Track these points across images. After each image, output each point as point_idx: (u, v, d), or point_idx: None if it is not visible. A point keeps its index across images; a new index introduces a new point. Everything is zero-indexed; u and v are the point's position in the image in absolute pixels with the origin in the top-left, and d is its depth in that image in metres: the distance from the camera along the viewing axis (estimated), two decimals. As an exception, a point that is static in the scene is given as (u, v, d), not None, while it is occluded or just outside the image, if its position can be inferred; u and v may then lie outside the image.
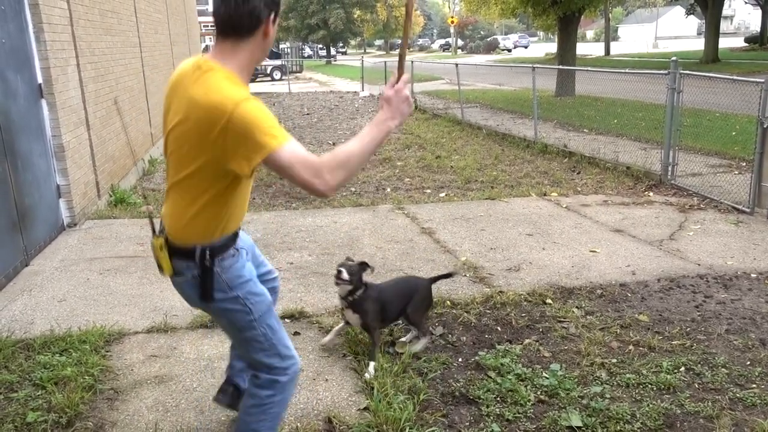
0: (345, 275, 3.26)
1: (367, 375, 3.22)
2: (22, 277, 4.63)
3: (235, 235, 2.13)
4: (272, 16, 1.93)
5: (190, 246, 2.02)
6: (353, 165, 1.88)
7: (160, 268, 2.09)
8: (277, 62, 32.71)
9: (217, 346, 3.59)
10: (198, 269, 2.03)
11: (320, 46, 58.33)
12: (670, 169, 7.33)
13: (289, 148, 1.81)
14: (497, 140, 10.73)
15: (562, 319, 3.87)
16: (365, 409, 2.98)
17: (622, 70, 11.48)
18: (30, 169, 5.09)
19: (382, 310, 3.42)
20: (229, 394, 2.75)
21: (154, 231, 2.14)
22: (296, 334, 3.76)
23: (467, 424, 2.88)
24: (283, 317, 3.96)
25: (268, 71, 31.56)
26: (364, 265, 3.40)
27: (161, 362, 3.42)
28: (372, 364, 3.28)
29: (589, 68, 14.81)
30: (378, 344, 3.41)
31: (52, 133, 5.53)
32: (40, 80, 5.35)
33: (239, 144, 1.80)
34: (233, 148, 1.81)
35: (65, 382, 3.12)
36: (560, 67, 15.90)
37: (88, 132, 6.40)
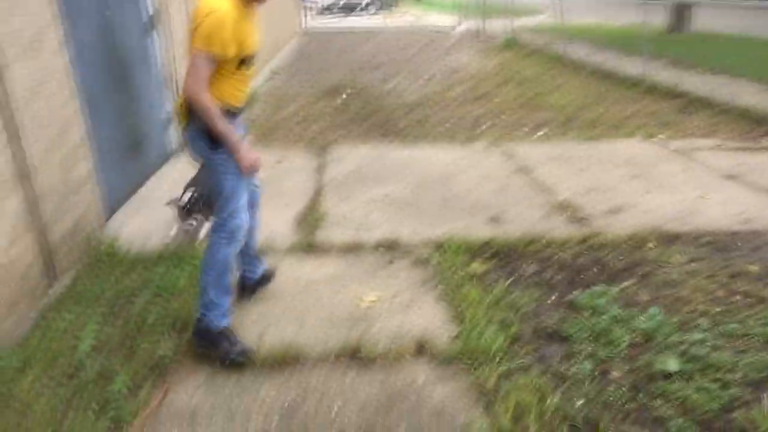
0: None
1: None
2: (138, 198, 4.97)
3: (231, 114, 2.80)
4: None
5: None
6: (204, 114, 2.64)
7: (179, 121, 2.86)
8: (374, -5, 32.20)
9: (315, 270, 3.75)
10: (202, 123, 2.70)
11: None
12: (794, 113, 6.75)
13: (203, 57, 2.57)
14: (601, 78, 10.21)
15: (664, 265, 3.75)
16: (456, 337, 3.04)
17: (751, 2, 10.49)
18: (143, 99, 5.37)
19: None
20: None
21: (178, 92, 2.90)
22: (391, 263, 3.85)
23: (558, 359, 2.89)
24: (377, 246, 4.07)
25: (364, 5, 31.19)
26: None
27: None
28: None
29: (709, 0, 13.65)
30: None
31: (162, 64, 5.78)
32: (150, 13, 5.57)
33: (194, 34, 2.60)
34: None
35: (179, 293, 3.38)
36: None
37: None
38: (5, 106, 3.09)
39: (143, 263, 3.79)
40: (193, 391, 2.71)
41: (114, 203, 4.61)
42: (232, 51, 2.61)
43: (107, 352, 2.92)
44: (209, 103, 2.62)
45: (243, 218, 2.92)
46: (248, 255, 3.34)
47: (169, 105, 5.93)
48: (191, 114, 2.73)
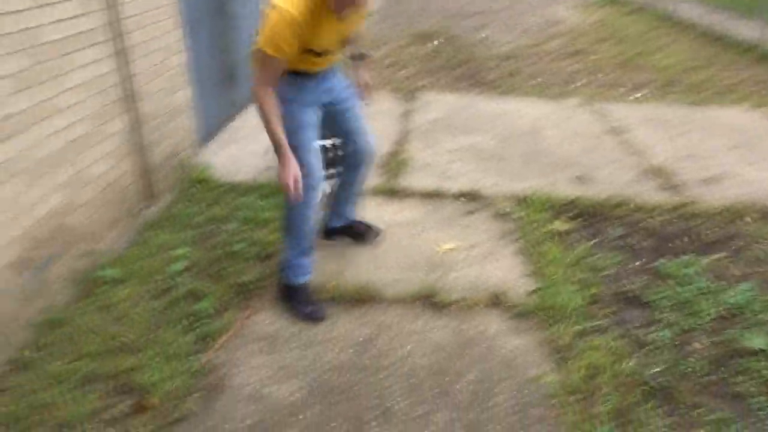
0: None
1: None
2: (230, 129, 5.14)
3: (305, 74, 2.73)
4: None
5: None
6: (262, 114, 2.53)
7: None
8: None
9: (395, 214, 3.80)
10: None
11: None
12: None
13: (269, 57, 2.44)
14: (711, 41, 9.55)
15: (762, 240, 3.55)
16: (533, 292, 3.03)
17: None
18: (238, 30, 5.46)
19: None
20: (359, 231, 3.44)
21: None
22: (471, 213, 3.84)
23: (637, 325, 2.83)
24: (458, 196, 4.06)
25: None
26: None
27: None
28: None
29: None
30: None
31: (261, -3, 5.85)
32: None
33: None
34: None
35: (264, 224, 3.50)
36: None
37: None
38: (117, 31, 3.23)
39: (233, 192, 3.95)
40: (274, 318, 2.84)
41: (208, 132, 4.79)
42: (293, 50, 2.47)
43: (197, 274, 3.09)
44: (267, 105, 2.50)
45: (315, 171, 2.76)
46: (343, 203, 3.31)
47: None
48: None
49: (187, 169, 4.08)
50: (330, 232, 3.43)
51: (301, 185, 2.57)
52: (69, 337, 2.58)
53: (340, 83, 2.95)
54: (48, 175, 2.71)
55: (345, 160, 3.15)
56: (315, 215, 2.85)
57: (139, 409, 2.24)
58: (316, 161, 2.78)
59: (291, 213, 2.80)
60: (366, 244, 3.42)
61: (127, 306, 2.79)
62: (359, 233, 3.43)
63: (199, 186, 4.02)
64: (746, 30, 9.66)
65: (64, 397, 2.25)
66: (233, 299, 2.92)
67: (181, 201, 3.82)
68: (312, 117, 2.81)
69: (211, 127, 4.87)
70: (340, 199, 3.31)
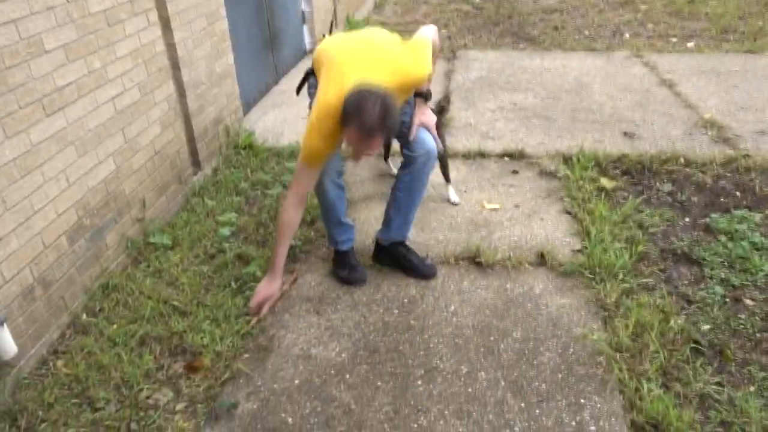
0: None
1: (453, 198, 3.49)
2: (272, 94, 5.17)
3: None
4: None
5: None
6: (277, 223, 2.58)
7: None
8: None
9: (438, 174, 3.77)
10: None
11: None
12: None
13: (302, 167, 2.42)
14: (770, -16, 9.03)
15: (820, 193, 3.42)
16: (578, 250, 2.99)
17: None
18: (279, -6, 5.45)
19: None
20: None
21: None
22: (515, 172, 3.79)
23: (686, 282, 2.77)
24: (502, 155, 4.01)
25: None
26: (441, 105, 3.79)
27: (386, 181, 3.70)
28: (451, 186, 3.54)
29: None
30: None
31: (299, -41, 5.80)
32: None
33: None
34: None
35: (308, 188, 3.54)
36: None
37: (329, -41, 6.59)
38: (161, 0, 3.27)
39: (277, 156, 4.00)
40: (320, 279, 2.89)
41: (251, 98, 4.83)
42: (324, 160, 2.43)
43: (243, 238, 3.16)
44: (282, 217, 2.46)
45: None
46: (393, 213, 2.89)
47: (304, 3, 5.98)
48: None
49: (231, 135, 4.13)
50: (381, 253, 2.98)
51: (266, 307, 2.49)
52: (124, 302, 2.68)
53: None
54: (100, 144, 2.79)
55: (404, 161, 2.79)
56: (334, 189, 2.69)
57: (192, 369, 2.33)
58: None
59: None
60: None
61: (177, 271, 2.88)
62: (409, 267, 2.91)
63: (244, 152, 4.07)
64: (809, -29, 9.07)
65: (121, 359, 2.36)
66: (280, 262, 2.98)
67: (226, 167, 3.89)
68: None
69: (254, 93, 4.91)
70: (389, 207, 2.90)
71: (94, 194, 2.75)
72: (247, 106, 4.73)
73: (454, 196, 3.50)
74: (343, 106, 2.18)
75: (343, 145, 2.42)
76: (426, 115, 2.73)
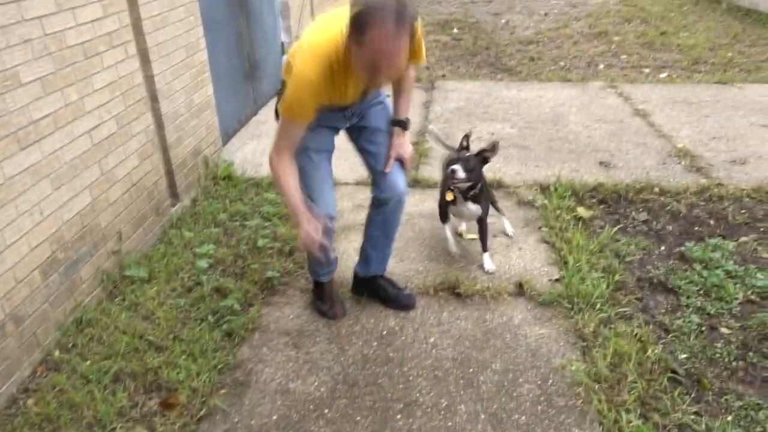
0: (461, 174, 2.86)
1: (488, 267, 3.11)
2: (251, 125, 5.18)
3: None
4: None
5: None
6: (276, 182, 2.33)
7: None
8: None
9: (417, 204, 3.80)
10: None
11: None
12: None
13: (286, 122, 2.23)
14: (738, 17, 9.31)
15: (791, 221, 3.49)
16: (557, 280, 3.01)
17: None
18: (260, 26, 5.49)
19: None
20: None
21: None
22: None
23: (663, 311, 2.80)
24: (481, 185, 4.04)
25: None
26: (483, 155, 3.01)
27: (365, 212, 3.70)
28: (487, 255, 3.14)
29: None
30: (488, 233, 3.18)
31: (279, -8, 5.87)
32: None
33: None
34: None
35: (287, 218, 3.54)
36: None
37: (309, -8, 6.68)
38: (139, 30, 3.27)
39: (256, 187, 3.99)
40: (299, 312, 2.87)
41: (230, 129, 4.83)
42: (311, 114, 2.20)
43: (221, 270, 3.13)
44: (280, 171, 2.25)
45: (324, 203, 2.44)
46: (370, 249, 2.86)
47: (284, 34, 6.04)
48: None
49: (210, 166, 4.12)
50: (360, 285, 2.96)
51: (321, 240, 2.26)
52: (98, 337, 2.64)
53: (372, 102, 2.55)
54: (76, 177, 2.77)
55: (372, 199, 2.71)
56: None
57: (167, 406, 2.28)
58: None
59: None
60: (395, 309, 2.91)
61: (154, 304, 2.84)
62: (388, 298, 2.90)
63: (223, 182, 4.06)
64: (775, 4, 9.38)
65: (94, 396, 2.31)
66: (258, 295, 2.96)
67: (205, 198, 3.87)
68: (328, 142, 2.54)
69: (233, 124, 4.92)
70: (365, 243, 2.86)
71: (69, 227, 2.72)
72: (227, 136, 4.73)
73: (489, 265, 3.12)
74: (351, 18, 1.89)
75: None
76: (404, 147, 2.62)
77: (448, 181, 2.99)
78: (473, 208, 3.06)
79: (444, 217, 3.21)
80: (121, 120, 3.12)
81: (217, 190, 3.98)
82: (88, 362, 2.48)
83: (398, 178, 2.59)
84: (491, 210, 3.23)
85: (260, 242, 3.29)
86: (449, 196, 3.05)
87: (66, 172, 2.70)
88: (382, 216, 2.69)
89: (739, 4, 9.85)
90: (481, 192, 3.03)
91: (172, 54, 3.63)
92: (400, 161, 2.62)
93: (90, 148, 2.87)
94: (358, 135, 2.61)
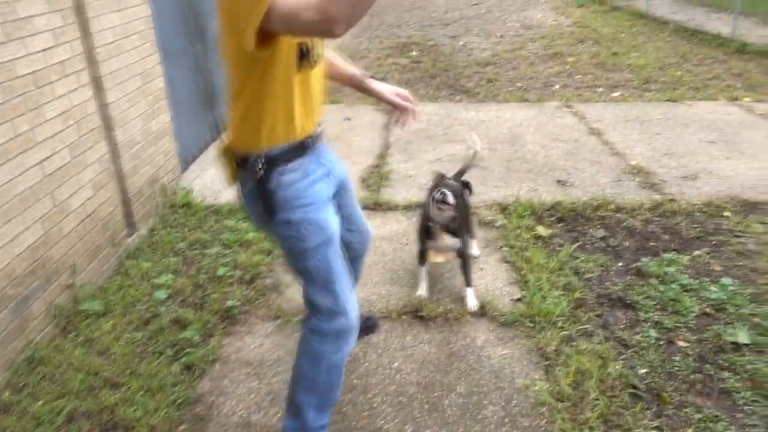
0: (450, 199, 2.76)
1: (472, 304, 2.97)
2: (211, 151, 5.13)
3: (302, 146, 1.84)
4: None
5: (244, 154, 1.82)
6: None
7: (227, 178, 1.92)
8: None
9: (380, 227, 3.80)
10: (254, 182, 1.82)
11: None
12: None
13: None
14: (685, 37, 9.65)
15: (740, 234, 3.58)
16: (518, 300, 3.04)
17: None
18: (216, 52, 5.46)
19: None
20: None
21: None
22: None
23: (622, 326, 2.84)
24: (442, 206, 4.07)
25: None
26: (466, 184, 3.05)
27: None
28: (471, 290, 3.01)
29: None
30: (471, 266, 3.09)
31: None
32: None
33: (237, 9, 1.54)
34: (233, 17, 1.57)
35: (248, 245, 3.50)
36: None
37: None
38: (92, 59, 3.23)
39: (215, 215, 3.94)
40: (261, 341, 2.82)
41: (189, 155, 4.78)
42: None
43: (180, 301, 3.07)
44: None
45: (350, 309, 1.98)
46: None
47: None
48: (240, 169, 1.86)
49: (168, 194, 4.06)
50: None
51: None
52: (50, 375, 2.55)
53: (333, 157, 2.13)
54: (27, 209, 2.69)
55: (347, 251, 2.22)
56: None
57: (125, 444, 2.22)
58: (350, 291, 2.04)
59: (319, 365, 2.02)
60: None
61: (109, 339, 2.76)
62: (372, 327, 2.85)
63: (181, 211, 4.00)
64: (719, 24, 9.79)
65: (49, 437, 2.23)
66: (218, 325, 2.90)
67: (163, 227, 3.80)
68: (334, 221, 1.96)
69: (192, 150, 4.86)
70: None
71: (19, 262, 2.64)
72: (186, 163, 4.67)
73: (472, 302, 2.97)
74: None
75: None
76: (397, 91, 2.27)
77: (430, 209, 2.88)
78: (452, 242, 2.96)
79: (422, 257, 3.11)
80: (74, 150, 3.06)
81: (175, 218, 3.92)
82: (40, 402, 2.39)
83: (368, 225, 2.38)
84: None
85: (220, 271, 3.24)
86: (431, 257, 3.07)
87: (16, 204, 2.63)
88: (358, 267, 2.46)
89: (686, 25, 10.23)
90: (460, 224, 2.93)
91: (127, 82, 3.58)
92: None
93: (42, 180, 2.80)
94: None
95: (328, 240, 1.90)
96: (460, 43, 9.94)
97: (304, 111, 1.80)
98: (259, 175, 1.80)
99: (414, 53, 9.19)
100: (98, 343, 2.74)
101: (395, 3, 15.58)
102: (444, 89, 7.20)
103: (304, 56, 1.72)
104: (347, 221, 2.20)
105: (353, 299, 2.01)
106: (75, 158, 3.07)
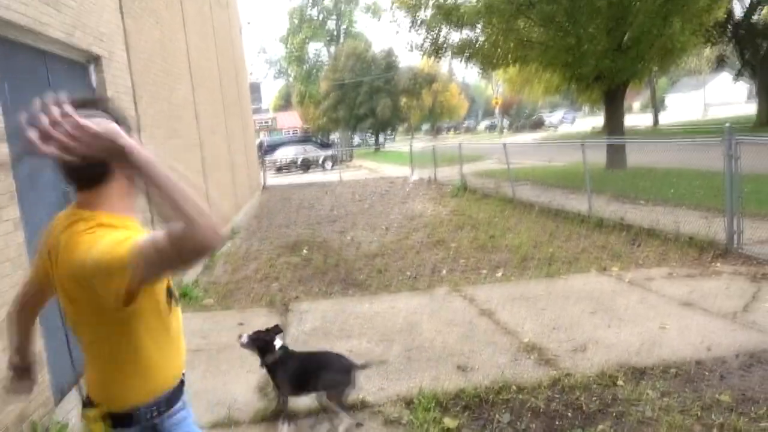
0: (244, 339, 3.64)
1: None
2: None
3: (182, 384, 1.84)
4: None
5: (129, 408, 1.72)
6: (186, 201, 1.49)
7: None
8: (328, 152, 33.80)
9: (281, 440, 3.55)
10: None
11: (369, 133, 59.41)
12: (735, 237, 7.08)
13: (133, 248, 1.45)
14: (551, 216, 10.63)
15: (637, 402, 3.68)
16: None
17: (674, 140, 11.32)
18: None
19: (292, 377, 3.61)
20: None
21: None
22: (359, 425, 3.68)
23: None
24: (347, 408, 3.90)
25: (320, 161, 32.48)
26: (274, 330, 3.72)
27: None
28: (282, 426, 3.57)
29: (639, 139, 14.64)
30: (285, 409, 3.66)
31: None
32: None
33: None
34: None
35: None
36: (609, 140, 15.80)
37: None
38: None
39: None
40: None
41: (65, 383, 4.37)
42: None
43: None
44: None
45: None
46: None
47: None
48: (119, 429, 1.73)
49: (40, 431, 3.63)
50: None
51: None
52: None
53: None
54: None
55: None
56: None
57: None
58: None
59: None
60: None
61: None
62: None
63: (55, 449, 3.57)
64: (576, 203, 10.91)
65: None
66: None
67: (32, 471, 3.35)
68: None
69: (68, 377, 4.47)
70: None
71: None
72: (60, 393, 4.25)
73: None
74: None
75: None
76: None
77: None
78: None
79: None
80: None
81: (48, 458, 3.48)
82: None
83: None
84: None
85: None
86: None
87: None
88: None
89: (549, 206, 11.31)
90: (274, 365, 3.61)
91: (-5, 312, 3.34)
92: None
93: None
94: None
95: None
96: (348, 237, 10.33)
97: (179, 349, 1.82)
98: (152, 423, 1.74)
99: (305, 251, 9.40)
100: None
101: (285, 204, 16.22)
102: (336, 284, 7.30)
103: (171, 294, 1.74)
104: None
105: None
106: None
